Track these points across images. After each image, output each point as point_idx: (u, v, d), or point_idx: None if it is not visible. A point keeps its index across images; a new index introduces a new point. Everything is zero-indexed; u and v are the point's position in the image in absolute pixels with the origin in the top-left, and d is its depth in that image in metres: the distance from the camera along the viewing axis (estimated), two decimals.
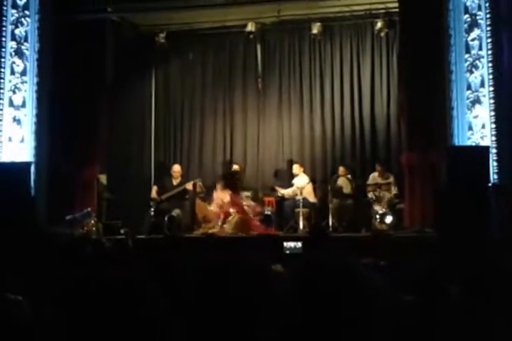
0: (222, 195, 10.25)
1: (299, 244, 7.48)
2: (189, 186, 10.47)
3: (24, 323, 2.63)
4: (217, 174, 11.66)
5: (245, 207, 10.08)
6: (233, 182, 10.33)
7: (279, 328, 1.27)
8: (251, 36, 11.41)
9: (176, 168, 10.88)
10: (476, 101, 8.69)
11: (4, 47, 9.68)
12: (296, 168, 10.80)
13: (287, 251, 7.60)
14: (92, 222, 9.38)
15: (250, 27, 11.22)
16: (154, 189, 10.79)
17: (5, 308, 2.72)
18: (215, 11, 10.88)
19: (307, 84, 11.73)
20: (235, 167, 11.10)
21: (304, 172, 10.86)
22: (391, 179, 10.18)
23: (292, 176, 10.87)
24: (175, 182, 10.68)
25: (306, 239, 7.71)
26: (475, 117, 8.68)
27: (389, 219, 9.27)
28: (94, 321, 1.58)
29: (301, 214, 9.87)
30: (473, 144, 8.61)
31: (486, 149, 8.24)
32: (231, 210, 9.92)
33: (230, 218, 9.87)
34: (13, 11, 9.82)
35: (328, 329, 1.22)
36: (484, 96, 8.67)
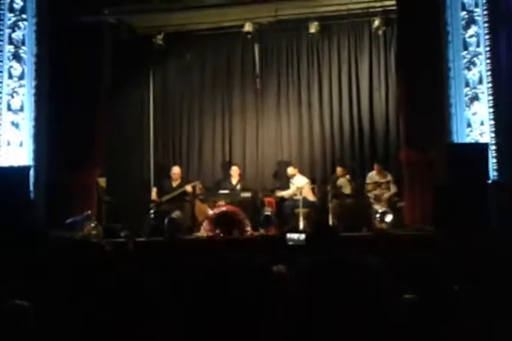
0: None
1: (303, 236, 7.41)
2: (189, 188, 10.47)
3: (29, 328, 2.63)
4: (217, 176, 11.68)
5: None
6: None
7: (284, 326, 1.26)
8: (248, 36, 11.40)
9: (176, 170, 10.87)
10: (475, 98, 8.70)
11: (2, 51, 9.71)
12: (291, 170, 10.77)
13: (290, 243, 7.55)
14: (92, 225, 9.36)
15: (247, 27, 11.21)
16: (154, 191, 10.79)
17: (11, 315, 2.72)
18: (212, 11, 10.86)
19: (305, 84, 11.72)
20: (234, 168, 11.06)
21: (300, 172, 10.85)
22: (390, 177, 10.17)
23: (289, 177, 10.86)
24: (174, 184, 10.68)
25: (310, 236, 7.68)
26: (473, 114, 8.69)
27: (389, 217, 9.26)
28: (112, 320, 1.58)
29: (301, 214, 9.86)
30: (472, 141, 8.61)
31: (485, 146, 8.24)
32: None
33: None
34: (10, 15, 9.84)
35: (334, 327, 1.21)
36: (483, 93, 8.68)
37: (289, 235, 7.60)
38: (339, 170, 10.53)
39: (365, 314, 1.23)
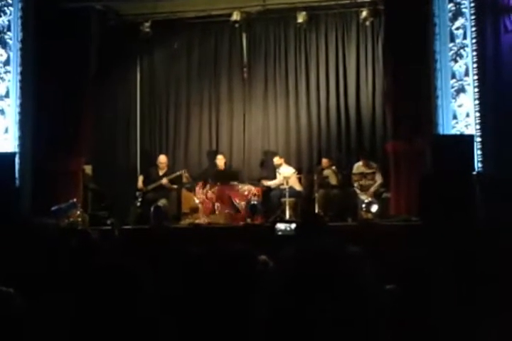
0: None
1: (292, 226, 7.40)
2: (164, 181, 10.45)
3: (16, 316, 2.63)
4: (204, 165, 11.68)
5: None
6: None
7: (269, 314, 1.27)
8: (236, 25, 11.35)
9: (162, 159, 10.86)
10: (461, 90, 8.74)
11: None
12: (277, 160, 10.78)
13: (279, 233, 7.56)
14: (78, 212, 9.36)
15: (236, 16, 11.16)
16: (140, 179, 10.78)
17: None
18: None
19: (293, 74, 11.71)
20: (219, 158, 11.07)
21: (286, 162, 10.87)
22: (375, 168, 10.22)
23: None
24: (161, 172, 10.67)
25: (297, 224, 7.71)
26: (459, 106, 8.73)
27: (375, 208, 9.32)
28: (102, 309, 1.59)
29: (287, 203, 9.89)
30: (458, 133, 8.66)
31: (470, 138, 8.29)
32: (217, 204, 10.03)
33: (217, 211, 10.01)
34: None
35: (318, 316, 1.23)
36: (469, 85, 8.71)
37: (278, 225, 7.60)
38: (325, 161, 10.56)
39: (345, 303, 1.24)
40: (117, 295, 1.63)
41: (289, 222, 8.02)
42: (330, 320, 1.21)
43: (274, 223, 7.97)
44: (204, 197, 10.35)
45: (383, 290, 2.77)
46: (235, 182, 10.59)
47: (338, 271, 1.25)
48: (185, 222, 9.97)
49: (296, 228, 6.49)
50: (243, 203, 10.10)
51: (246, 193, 10.28)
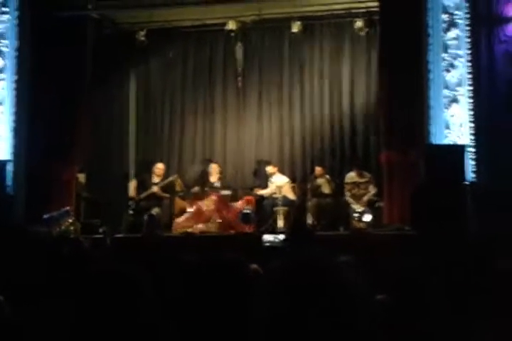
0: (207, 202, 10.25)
1: (279, 237, 7.40)
2: (155, 189, 10.44)
3: (5, 324, 2.62)
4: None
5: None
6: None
7: (260, 326, 1.28)
8: (231, 34, 11.40)
9: (160, 166, 10.83)
10: (454, 100, 8.77)
11: None
12: (270, 169, 10.77)
13: (266, 244, 7.56)
14: (70, 221, 9.33)
15: (231, 25, 11.21)
16: (132, 185, 10.72)
17: None
18: (195, 8, 10.85)
19: (287, 83, 11.75)
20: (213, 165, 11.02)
21: (280, 171, 10.87)
22: (369, 178, 10.23)
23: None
24: (157, 179, 10.64)
25: (287, 235, 7.71)
26: (452, 116, 8.76)
27: (367, 217, 9.32)
28: (100, 315, 1.59)
29: (280, 212, 9.88)
30: (451, 143, 8.69)
31: (462, 148, 8.32)
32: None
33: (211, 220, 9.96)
34: None
35: (308, 328, 1.23)
36: (462, 95, 8.75)
37: (265, 236, 7.60)
38: (318, 169, 10.57)
39: (334, 314, 1.24)
40: (117, 301, 1.63)
41: (277, 232, 8.02)
42: (320, 331, 1.21)
43: (264, 233, 7.97)
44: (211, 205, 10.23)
45: (374, 300, 2.77)
46: (227, 192, 10.54)
47: (325, 282, 1.26)
48: (178, 230, 9.90)
49: (284, 240, 6.50)
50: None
51: (238, 207, 10.22)
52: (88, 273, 1.74)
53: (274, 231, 9.18)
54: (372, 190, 10.09)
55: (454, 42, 8.86)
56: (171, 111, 12.20)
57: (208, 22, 11.65)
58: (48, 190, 9.87)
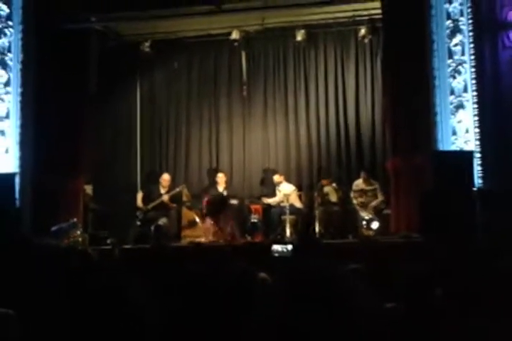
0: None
1: (288, 247, 7.36)
2: (165, 198, 10.46)
3: (12, 337, 2.62)
4: (204, 183, 11.68)
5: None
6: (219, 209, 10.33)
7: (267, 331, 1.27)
8: (235, 44, 11.43)
9: (166, 177, 10.88)
10: (460, 106, 8.76)
11: None
12: (277, 178, 10.77)
13: (276, 254, 7.52)
14: (78, 232, 9.33)
15: (235, 35, 11.25)
16: (139, 196, 10.76)
17: None
18: (199, 19, 10.90)
19: (292, 92, 11.77)
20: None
21: (286, 179, 10.86)
22: (376, 185, 10.20)
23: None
24: (163, 190, 10.66)
25: (295, 245, 7.68)
26: (459, 122, 8.75)
27: (375, 224, 9.30)
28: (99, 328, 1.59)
29: (288, 221, 9.86)
30: (457, 149, 8.66)
31: (470, 154, 8.29)
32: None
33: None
34: None
35: (313, 337, 1.22)
36: (467, 101, 8.73)
37: (274, 247, 7.56)
38: (324, 181, 10.54)
39: (340, 323, 1.23)
40: (110, 314, 1.62)
41: (286, 243, 7.99)
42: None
43: (273, 243, 7.94)
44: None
45: (383, 309, 2.76)
46: (234, 201, 10.53)
47: (331, 292, 1.25)
48: (184, 236, 9.90)
49: (292, 250, 6.47)
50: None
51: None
52: (84, 286, 1.74)
53: (283, 240, 9.15)
54: (379, 197, 10.07)
55: (459, 48, 8.85)
56: (176, 122, 12.22)
57: (212, 32, 11.70)
58: (55, 202, 9.88)
